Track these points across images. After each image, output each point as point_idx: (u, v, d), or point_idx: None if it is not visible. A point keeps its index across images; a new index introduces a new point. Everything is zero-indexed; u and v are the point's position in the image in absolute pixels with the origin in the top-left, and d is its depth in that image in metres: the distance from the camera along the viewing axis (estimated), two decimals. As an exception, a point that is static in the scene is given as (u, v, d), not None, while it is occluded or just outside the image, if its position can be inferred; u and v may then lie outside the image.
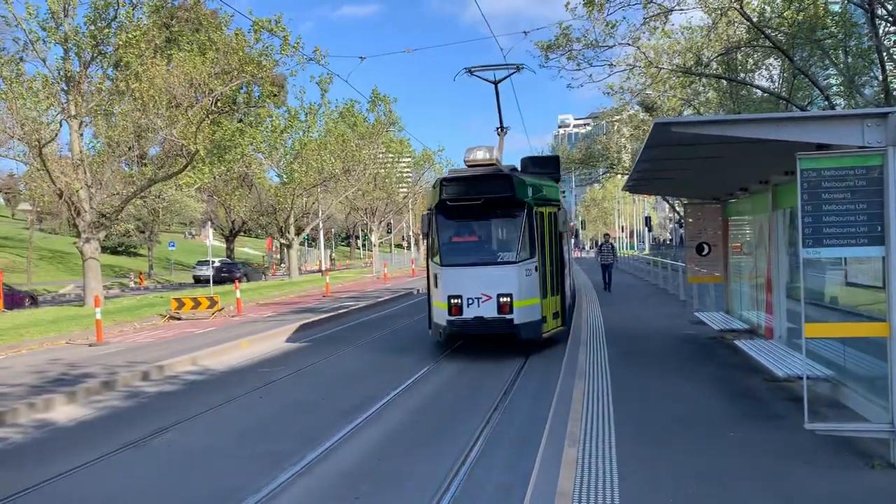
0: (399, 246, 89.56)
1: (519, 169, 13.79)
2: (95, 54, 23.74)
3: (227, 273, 42.18)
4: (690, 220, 12.73)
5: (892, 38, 19.60)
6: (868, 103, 19.47)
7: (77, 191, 24.12)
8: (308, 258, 72.75)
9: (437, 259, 12.22)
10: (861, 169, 5.22)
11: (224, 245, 60.71)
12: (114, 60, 24.78)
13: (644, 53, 20.38)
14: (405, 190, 65.90)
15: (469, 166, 12.35)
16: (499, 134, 15.90)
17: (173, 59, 26.76)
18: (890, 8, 16.67)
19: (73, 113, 23.81)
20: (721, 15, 18.78)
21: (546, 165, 14.86)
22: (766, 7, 19.87)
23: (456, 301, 11.61)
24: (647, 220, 45.39)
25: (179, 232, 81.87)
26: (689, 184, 11.52)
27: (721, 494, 4.96)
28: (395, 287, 31.48)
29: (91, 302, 21.49)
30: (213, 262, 41.16)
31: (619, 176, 40.69)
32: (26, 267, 43.86)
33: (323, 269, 49.84)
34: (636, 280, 29.25)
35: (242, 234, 66.41)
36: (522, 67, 14.91)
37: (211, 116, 25.65)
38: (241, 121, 33.17)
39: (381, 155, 51.97)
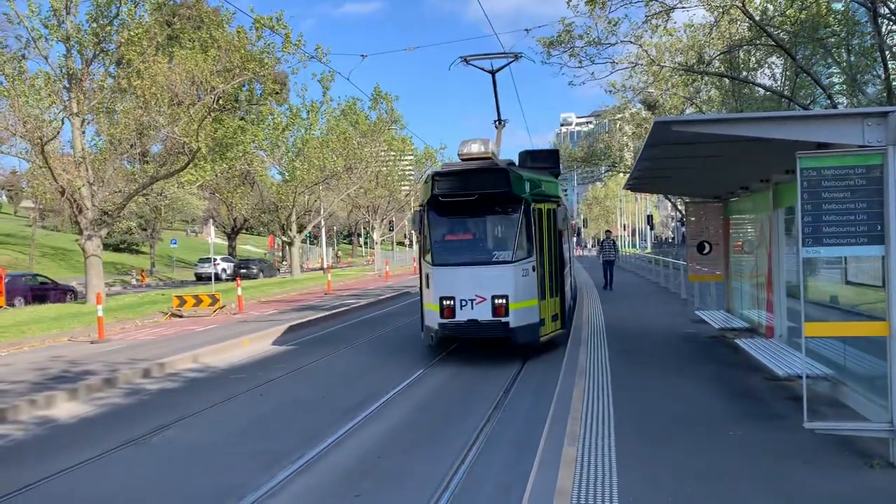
0: (401, 243, 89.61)
1: (517, 163, 13.26)
2: (97, 52, 23.79)
3: (246, 269, 45.68)
4: (692, 218, 12.73)
5: (895, 37, 19.55)
6: (871, 102, 19.43)
7: (79, 188, 24.16)
8: (310, 256, 72.81)
9: (428, 258, 11.63)
10: (861, 168, 5.21)
11: (226, 243, 60.78)
12: (116, 58, 24.83)
13: (646, 51, 20.35)
14: (407, 188, 65.88)
15: (463, 160, 11.71)
16: (496, 127, 15.27)
17: (175, 56, 26.80)
18: (893, 6, 16.62)
19: (75, 110, 23.85)
20: (723, 13, 18.74)
21: (545, 160, 14.26)
22: (768, 5, 19.83)
23: (448, 303, 11.04)
24: (650, 219, 45.37)
25: (181, 229, 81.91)
26: (690, 182, 11.51)
27: (721, 494, 4.96)
28: (396, 285, 31.50)
29: (93, 299, 21.53)
30: (215, 259, 41.24)
31: (622, 174, 40.70)
32: (29, 264, 43.93)
33: (325, 266, 49.88)
34: (638, 278, 29.24)
35: (244, 231, 66.48)
36: (521, 56, 14.32)
37: (213, 114, 25.67)
38: (242, 118, 33.19)
39: (382, 153, 51.96)
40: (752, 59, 23.99)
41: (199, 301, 19.52)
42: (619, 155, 37.58)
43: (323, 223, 52.82)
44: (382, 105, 45.19)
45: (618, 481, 5.20)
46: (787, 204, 8.36)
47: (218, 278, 37.92)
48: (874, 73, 20.07)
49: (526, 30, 36.83)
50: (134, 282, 45.41)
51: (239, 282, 22.92)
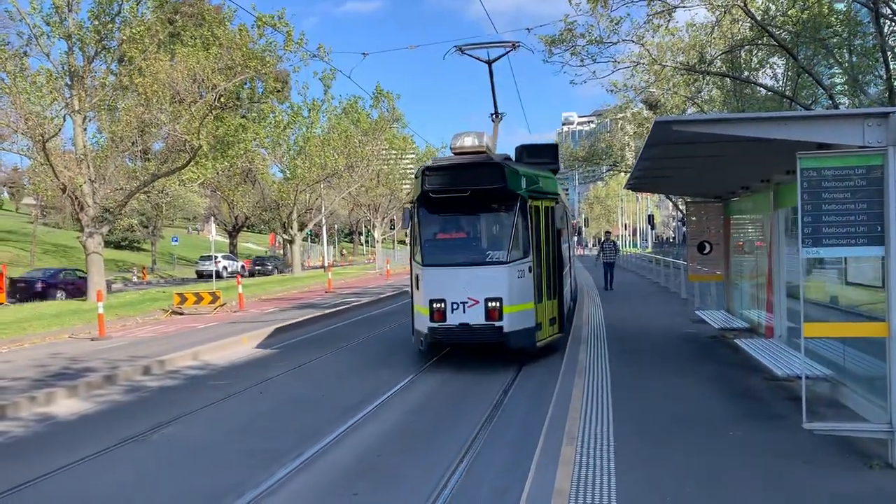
0: (402, 242, 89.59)
1: (513, 158, 12.55)
2: (99, 49, 23.80)
3: (261, 266, 49.60)
4: (693, 218, 12.71)
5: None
6: (872, 102, 19.39)
7: (80, 185, 24.18)
8: (311, 254, 72.82)
9: (418, 258, 10.97)
10: (861, 168, 5.21)
11: (227, 240, 60.77)
12: (117, 56, 24.84)
13: (648, 50, 20.32)
14: (408, 186, 65.89)
15: (456, 154, 10.82)
16: (493, 120, 14.50)
17: (177, 54, 26.82)
18: (895, 7, 16.60)
19: (76, 108, 23.86)
20: (725, 12, 18.71)
21: (543, 154, 13.45)
22: (770, 5, 19.79)
23: (439, 306, 10.37)
24: (650, 218, 45.27)
25: (183, 227, 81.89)
26: (690, 182, 11.50)
27: (721, 494, 4.96)
28: (396, 283, 31.48)
29: (93, 296, 21.54)
30: (216, 257, 41.27)
31: (623, 174, 40.67)
32: (30, 261, 43.96)
33: (325, 264, 49.93)
34: (638, 278, 29.23)
35: (245, 229, 66.45)
36: (519, 45, 13.53)
37: (214, 112, 25.67)
38: (244, 116, 33.20)
39: (384, 151, 51.95)
40: (754, 59, 23.92)
41: (199, 299, 19.55)
42: (621, 154, 37.55)
43: (324, 221, 52.81)
44: (384, 103, 45.23)
45: (617, 481, 5.20)
46: (787, 204, 8.36)
47: (219, 276, 38.07)
48: (876, 73, 20.06)
49: (528, 29, 36.98)
50: (135, 279, 45.42)
51: (239, 279, 22.91)
